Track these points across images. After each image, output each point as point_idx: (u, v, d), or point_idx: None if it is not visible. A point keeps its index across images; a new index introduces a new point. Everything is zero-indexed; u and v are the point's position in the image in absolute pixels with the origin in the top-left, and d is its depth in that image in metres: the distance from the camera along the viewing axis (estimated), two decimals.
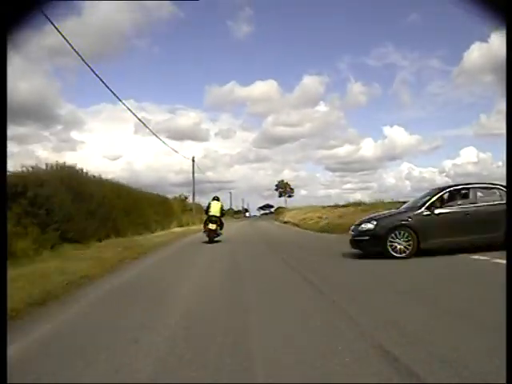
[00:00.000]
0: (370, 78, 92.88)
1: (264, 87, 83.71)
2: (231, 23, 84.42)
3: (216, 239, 12.97)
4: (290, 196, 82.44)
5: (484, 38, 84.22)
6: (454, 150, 79.73)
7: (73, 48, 10.54)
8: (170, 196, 32.52)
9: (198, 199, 38.56)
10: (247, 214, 73.24)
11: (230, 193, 76.56)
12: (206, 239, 12.79)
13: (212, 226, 12.87)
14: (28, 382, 2.26)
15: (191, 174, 36.47)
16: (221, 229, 13.39)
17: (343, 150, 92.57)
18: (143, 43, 75.20)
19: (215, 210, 13.20)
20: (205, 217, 13.93)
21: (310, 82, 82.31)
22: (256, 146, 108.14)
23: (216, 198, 13.93)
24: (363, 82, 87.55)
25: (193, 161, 37.84)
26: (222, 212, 13.83)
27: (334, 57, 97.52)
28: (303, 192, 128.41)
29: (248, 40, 79.61)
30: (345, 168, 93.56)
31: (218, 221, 13.12)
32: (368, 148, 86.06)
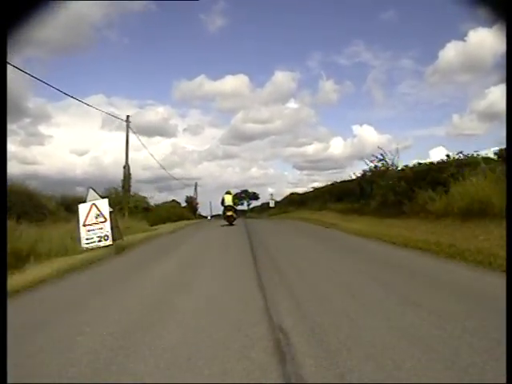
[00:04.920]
0: (341, 76, 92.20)
1: (234, 82, 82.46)
2: (204, 16, 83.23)
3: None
4: None
5: (461, 37, 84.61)
6: (424, 149, 79.60)
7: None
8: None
9: (165, 196, 36.04)
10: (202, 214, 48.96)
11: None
12: (225, 223, 17.42)
13: (229, 213, 17.51)
14: (28, 381, 2.29)
15: (158, 171, 37.93)
16: (236, 214, 18.33)
17: (312, 148, 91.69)
18: (114, 34, 73.86)
19: (229, 200, 17.80)
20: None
21: (282, 78, 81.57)
22: (224, 143, 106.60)
23: (228, 192, 18.54)
24: (335, 80, 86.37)
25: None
26: (235, 201, 19.03)
27: (305, 54, 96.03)
28: (270, 190, 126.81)
29: (220, 33, 78.45)
30: (313, 166, 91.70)
31: (232, 208, 17.80)
32: (337, 146, 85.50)
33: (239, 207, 60.92)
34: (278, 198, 45.78)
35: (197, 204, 51.42)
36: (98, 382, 2.31)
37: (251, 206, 67.11)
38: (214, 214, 51.89)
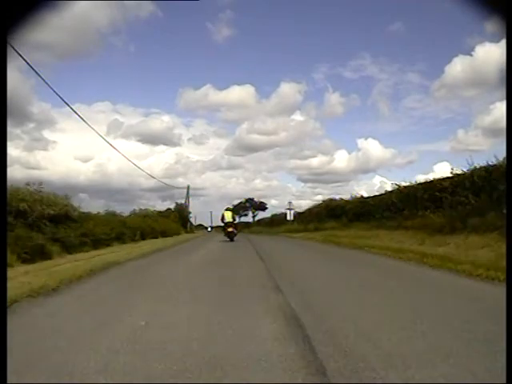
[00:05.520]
0: (347, 89, 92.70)
1: (240, 92, 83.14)
2: (211, 25, 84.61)
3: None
4: None
5: (468, 51, 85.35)
6: (429, 164, 78.33)
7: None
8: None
9: (168, 205, 33.10)
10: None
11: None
12: (227, 239, 18.09)
13: (230, 229, 18.41)
14: (28, 381, 2.29)
15: (162, 180, 37.22)
16: (236, 229, 18.97)
17: (316, 161, 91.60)
18: (120, 41, 74.92)
19: (228, 217, 18.79)
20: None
21: (288, 90, 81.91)
22: (229, 154, 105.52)
23: (228, 209, 19.78)
24: (341, 93, 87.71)
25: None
26: (234, 217, 19.59)
27: (311, 66, 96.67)
28: (274, 202, 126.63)
29: (227, 43, 79.20)
30: (317, 179, 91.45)
31: (232, 224, 18.63)
32: (341, 160, 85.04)
33: (243, 219, 58.16)
34: (283, 210, 36.08)
35: (189, 213, 42.99)
36: None
37: (257, 218, 57.91)
38: (214, 225, 47.52)
